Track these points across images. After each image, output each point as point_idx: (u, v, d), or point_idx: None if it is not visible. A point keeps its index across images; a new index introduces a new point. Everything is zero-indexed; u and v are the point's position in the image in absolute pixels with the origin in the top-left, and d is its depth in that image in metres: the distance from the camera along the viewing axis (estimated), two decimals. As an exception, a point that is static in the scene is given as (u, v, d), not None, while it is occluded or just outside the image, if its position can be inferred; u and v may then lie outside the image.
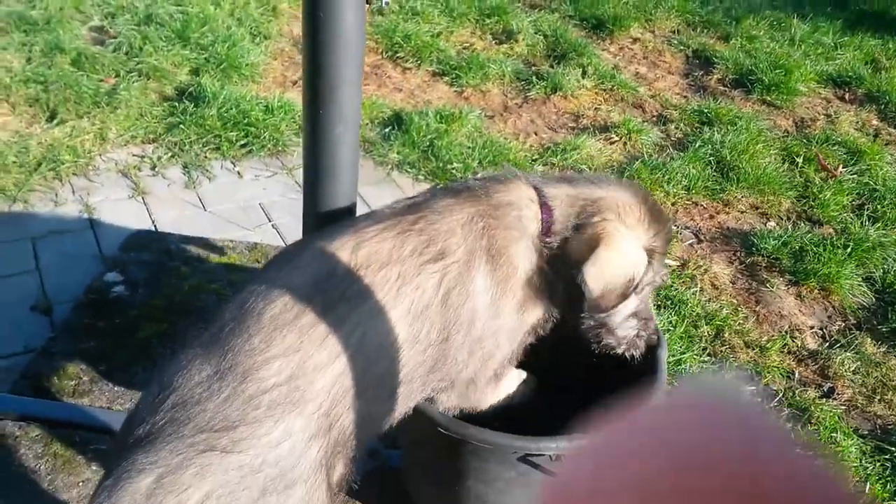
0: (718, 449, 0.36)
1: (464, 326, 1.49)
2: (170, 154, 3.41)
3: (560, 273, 1.59)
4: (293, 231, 3.02)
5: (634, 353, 1.77)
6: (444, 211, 1.53)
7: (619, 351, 1.73)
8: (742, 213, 3.57)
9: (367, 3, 1.57)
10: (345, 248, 1.41)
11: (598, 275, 1.54)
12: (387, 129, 3.81)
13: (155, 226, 2.98)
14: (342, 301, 1.33)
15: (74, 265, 2.71)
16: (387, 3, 1.52)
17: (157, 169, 3.32)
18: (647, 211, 1.64)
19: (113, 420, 1.96)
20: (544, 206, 1.60)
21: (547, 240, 1.58)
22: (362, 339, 1.33)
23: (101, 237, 2.89)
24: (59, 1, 4.29)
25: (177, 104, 3.66)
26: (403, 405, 1.50)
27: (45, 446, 1.95)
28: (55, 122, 3.45)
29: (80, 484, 1.84)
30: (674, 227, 1.59)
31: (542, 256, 1.59)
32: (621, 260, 1.58)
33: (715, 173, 3.76)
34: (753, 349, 2.77)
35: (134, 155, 3.40)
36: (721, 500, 0.34)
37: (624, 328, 1.71)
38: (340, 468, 1.40)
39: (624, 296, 1.62)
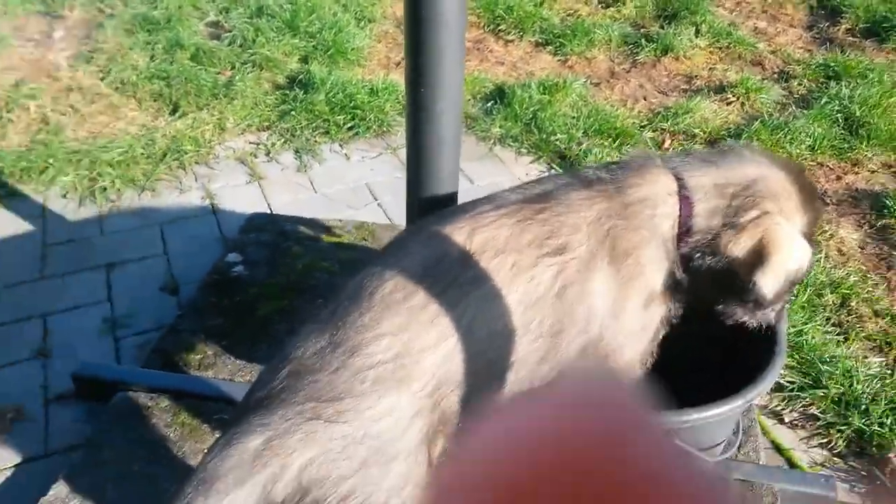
0: (584, 443, 0.35)
1: (579, 323, 1.47)
2: (282, 140, 3.55)
3: (706, 266, 1.53)
4: (398, 209, 3.09)
5: (763, 325, 1.70)
6: (572, 204, 1.50)
7: (752, 325, 1.67)
8: (873, 172, 3.31)
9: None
10: (460, 233, 1.42)
11: (774, 282, 1.49)
12: (489, 104, 3.80)
13: (270, 209, 3.13)
14: (453, 285, 1.35)
15: (198, 248, 2.90)
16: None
17: (271, 155, 3.47)
18: (802, 193, 1.55)
19: (234, 391, 2.09)
20: (684, 201, 1.53)
21: (688, 239, 1.52)
22: (471, 324, 1.34)
23: (222, 221, 3.06)
24: (178, 0, 4.55)
25: (288, 92, 3.81)
26: (510, 389, 1.49)
27: (174, 416, 2.10)
28: (178, 114, 3.68)
29: (206, 450, 1.98)
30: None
31: (676, 254, 1.53)
32: (794, 262, 1.52)
33: (843, 131, 3.49)
34: (884, 318, 2.57)
35: (250, 142, 3.57)
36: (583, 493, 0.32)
37: (768, 311, 1.66)
38: (440, 445, 1.42)
39: (792, 289, 1.62)
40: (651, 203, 1.52)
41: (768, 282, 1.48)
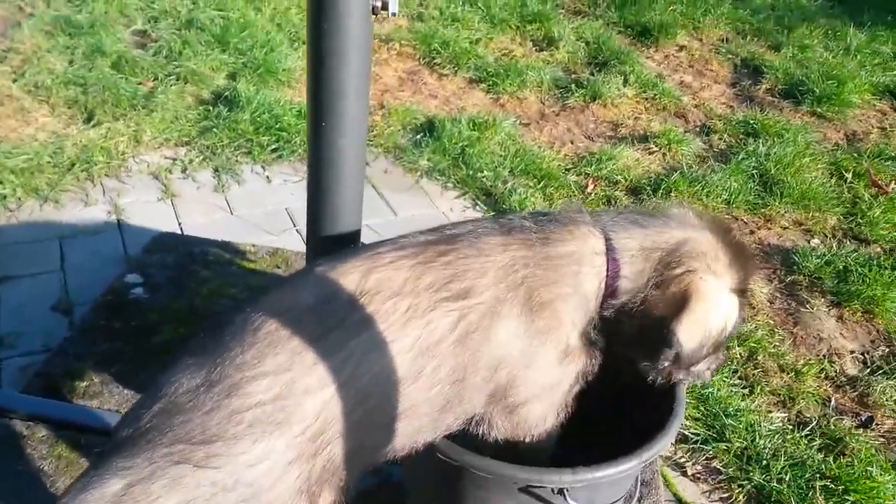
0: None
1: (482, 371, 1.42)
2: (201, 157, 3.43)
3: (630, 327, 1.51)
4: (317, 237, 3.00)
5: (701, 382, 1.73)
6: (483, 248, 1.45)
7: (684, 381, 1.67)
8: (784, 229, 3.42)
9: (374, 13, 1.52)
10: (354, 272, 1.35)
11: (693, 331, 1.47)
12: (418, 136, 3.77)
13: (181, 229, 3.00)
14: (340, 326, 1.28)
15: (99, 266, 2.74)
16: (394, 14, 1.46)
17: (187, 172, 3.34)
18: (731, 251, 1.54)
19: (119, 424, 1.96)
20: (612, 262, 1.50)
21: (611, 301, 1.50)
22: (356, 369, 1.28)
23: (128, 239, 2.91)
24: (105, 5, 4.38)
25: (211, 108, 3.69)
26: (408, 440, 1.44)
27: (51, 447, 1.95)
28: (92, 123, 3.51)
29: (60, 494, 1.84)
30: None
31: (597, 314, 1.51)
32: (716, 314, 1.50)
33: (758, 187, 3.61)
34: (788, 373, 2.63)
35: (166, 157, 3.43)
36: None
37: (701, 367, 1.64)
38: (329, 496, 1.35)
39: (718, 346, 1.57)
40: (577, 259, 1.49)
41: (686, 331, 1.46)
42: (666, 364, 1.55)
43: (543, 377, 1.50)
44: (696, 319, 1.47)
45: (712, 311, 1.48)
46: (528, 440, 1.58)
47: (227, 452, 1.16)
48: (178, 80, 3.90)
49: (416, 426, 1.41)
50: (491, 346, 1.41)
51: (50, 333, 2.43)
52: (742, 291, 1.56)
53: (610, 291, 1.50)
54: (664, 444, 1.52)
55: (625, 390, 1.76)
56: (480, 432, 1.55)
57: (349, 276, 1.34)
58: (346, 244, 1.60)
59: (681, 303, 1.46)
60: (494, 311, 1.40)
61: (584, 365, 1.55)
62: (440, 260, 1.40)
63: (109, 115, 3.58)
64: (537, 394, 1.51)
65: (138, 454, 1.14)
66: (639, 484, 1.82)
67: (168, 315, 2.41)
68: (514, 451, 1.58)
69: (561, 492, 1.46)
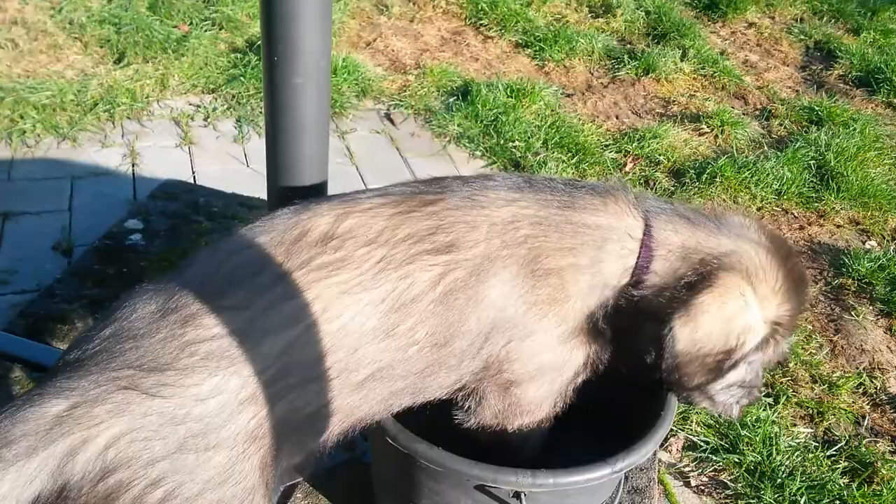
0: None
1: (470, 336, 1.29)
2: (226, 106, 3.33)
3: (645, 329, 1.36)
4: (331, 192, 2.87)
5: (727, 418, 1.59)
6: (481, 200, 1.31)
7: (715, 413, 1.56)
8: (838, 227, 3.13)
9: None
10: (328, 215, 1.26)
11: (689, 327, 1.30)
12: (451, 100, 3.59)
13: (194, 177, 2.91)
14: (306, 268, 1.20)
15: (105, 208, 2.68)
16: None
17: (209, 120, 3.25)
18: (786, 278, 1.36)
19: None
20: (645, 250, 1.34)
21: (633, 292, 1.34)
22: (322, 315, 1.18)
23: (139, 183, 2.84)
24: (149, -55, 4.30)
25: (242, 56, 3.58)
26: (383, 403, 1.32)
27: (21, 388, 1.89)
28: (121, 64, 3.44)
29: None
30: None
31: (613, 300, 1.35)
32: (727, 321, 1.32)
33: (813, 179, 3.32)
34: (821, 385, 2.39)
35: (190, 104, 3.34)
36: None
37: (723, 395, 1.48)
38: (293, 455, 1.27)
39: (716, 371, 1.36)
40: (604, 234, 1.34)
41: (684, 322, 1.29)
42: (665, 373, 1.36)
43: (543, 355, 1.35)
44: (702, 312, 1.29)
45: (726, 312, 1.30)
46: (517, 427, 1.44)
47: (177, 383, 1.09)
48: (213, 25, 3.80)
49: (392, 389, 1.30)
50: (479, 308, 1.28)
51: (47, 273, 2.38)
52: (780, 324, 1.37)
53: (634, 281, 1.34)
54: (643, 454, 1.34)
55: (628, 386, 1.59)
56: (469, 406, 1.42)
57: (322, 217, 1.25)
58: (309, 196, 1.45)
59: (697, 291, 1.30)
60: (483, 268, 1.28)
61: (592, 353, 1.39)
62: (424, 210, 1.29)
63: (140, 56, 3.51)
64: (534, 374, 1.37)
65: (85, 376, 1.08)
66: (621, 492, 1.65)
67: (160, 263, 2.32)
68: (500, 437, 1.45)
69: (517, 495, 1.30)
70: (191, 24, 3.80)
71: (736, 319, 1.32)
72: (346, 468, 1.82)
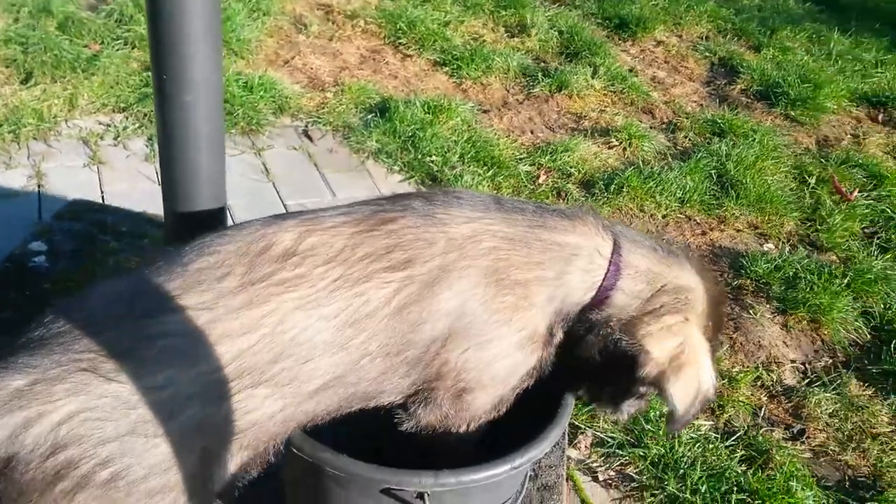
0: None
1: (422, 345, 1.34)
2: (137, 125, 3.29)
3: (602, 344, 1.46)
4: (248, 213, 2.87)
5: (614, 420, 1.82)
6: (442, 218, 1.37)
7: (611, 417, 1.76)
8: (738, 231, 3.30)
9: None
10: (292, 231, 1.31)
11: (686, 396, 1.44)
12: (370, 116, 3.64)
13: (103, 196, 2.87)
14: (269, 281, 1.26)
15: (8, 231, 2.60)
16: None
17: (119, 139, 3.20)
18: (717, 315, 1.55)
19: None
20: (613, 267, 1.42)
21: (596, 311, 1.43)
22: (278, 326, 1.24)
23: (45, 205, 2.78)
24: (59, -36, 4.22)
25: (155, 75, 3.55)
26: (335, 407, 1.37)
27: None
28: (28, 84, 3.37)
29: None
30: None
31: (573, 316, 1.44)
32: (707, 383, 1.47)
33: (714, 187, 3.49)
34: (722, 379, 2.51)
35: (100, 123, 3.29)
36: None
37: (628, 405, 1.62)
38: (238, 451, 1.29)
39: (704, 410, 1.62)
40: (572, 251, 1.41)
41: (680, 393, 1.42)
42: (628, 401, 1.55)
43: (499, 362, 1.41)
44: (690, 384, 1.44)
45: (706, 379, 1.46)
46: (461, 430, 1.49)
47: (135, 371, 1.14)
48: (125, 44, 3.75)
49: (344, 395, 1.35)
50: (433, 317, 1.33)
51: (-57, 298, 2.30)
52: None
53: (601, 299, 1.42)
54: (541, 450, 1.40)
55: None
56: (416, 410, 1.46)
57: (286, 233, 1.31)
58: (207, 220, 1.46)
59: (677, 363, 1.42)
60: (437, 280, 1.33)
61: (543, 358, 1.46)
62: (383, 229, 1.35)
63: (48, 76, 3.44)
64: (488, 382, 1.42)
65: (47, 355, 1.12)
66: (526, 489, 1.70)
67: (64, 286, 2.28)
68: (440, 439, 1.49)
69: (421, 496, 1.34)
70: (102, 43, 3.74)
71: (708, 379, 1.48)
72: (255, 483, 1.81)
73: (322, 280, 1.28)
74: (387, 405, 1.45)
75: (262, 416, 1.27)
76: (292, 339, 1.25)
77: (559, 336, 1.45)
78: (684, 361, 1.42)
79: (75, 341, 1.15)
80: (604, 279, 1.42)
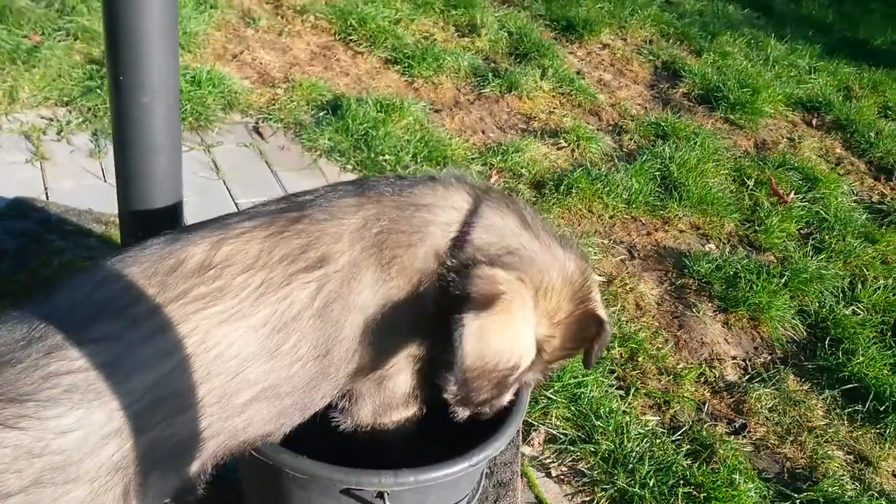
0: None
1: (347, 342, 1.33)
2: (81, 119, 3.20)
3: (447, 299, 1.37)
4: (197, 210, 2.82)
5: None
6: (335, 211, 1.35)
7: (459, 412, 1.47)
8: (681, 232, 3.41)
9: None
10: (202, 243, 1.25)
11: (476, 343, 1.28)
12: (322, 114, 3.62)
13: (47, 194, 2.78)
14: (185, 299, 1.19)
15: (-54, 228, 2.51)
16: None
17: (63, 134, 3.11)
18: (569, 313, 1.42)
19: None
20: (468, 222, 1.40)
21: (453, 259, 1.37)
22: (201, 344, 1.19)
23: (-15, 201, 2.68)
24: (-5, -50, 4.06)
25: (98, 68, 3.45)
26: (273, 423, 1.33)
27: None
28: (-37, 75, 3.24)
29: None
30: (607, 337, 1.45)
31: (439, 277, 1.38)
32: (512, 338, 1.34)
33: (659, 189, 3.59)
34: (667, 376, 2.60)
35: (42, 117, 3.19)
36: None
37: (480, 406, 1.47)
38: (162, 478, 1.24)
39: (500, 387, 1.37)
40: (430, 208, 1.41)
41: (470, 337, 1.26)
42: (451, 380, 1.34)
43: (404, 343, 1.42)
44: (489, 326, 1.28)
45: (509, 330, 1.32)
46: (393, 421, 1.50)
47: (37, 415, 1.06)
48: (67, 35, 3.64)
49: (280, 407, 1.31)
50: (352, 314, 1.33)
51: None
52: (548, 342, 1.42)
53: (453, 248, 1.39)
54: (497, 448, 1.44)
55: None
56: (346, 407, 1.46)
57: (197, 246, 1.25)
58: (164, 220, 1.45)
59: (484, 298, 1.30)
60: (352, 275, 1.32)
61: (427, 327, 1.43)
62: (293, 228, 1.31)
63: (-15, 67, 3.31)
64: (401, 364, 1.43)
65: None
66: (483, 485, 1.74)
67: (10, 286, 2.21)
68: (375, 436, 1.50)
69: (381, 495, 1.36)
70: (43, 34, 3.62)
71: (519, 337, 1.36)
72: (213, 486, 1.80)
73: (244, 289, 1.23)
74: (319, 412, 1.42)
75: (188, 437, 1.22)
76: (218, 355, 1.20)
77: (428, 301, 1.38)
78: (493, 309, 1.29)
79: None
80: (459, 230, 1.40)
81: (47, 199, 2.74)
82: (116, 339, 1.13)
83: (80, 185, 2.86)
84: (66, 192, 2.79)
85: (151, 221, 1.42)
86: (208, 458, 1.31)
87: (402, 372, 1.45)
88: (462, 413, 1.44)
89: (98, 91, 3.29)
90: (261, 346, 1.24)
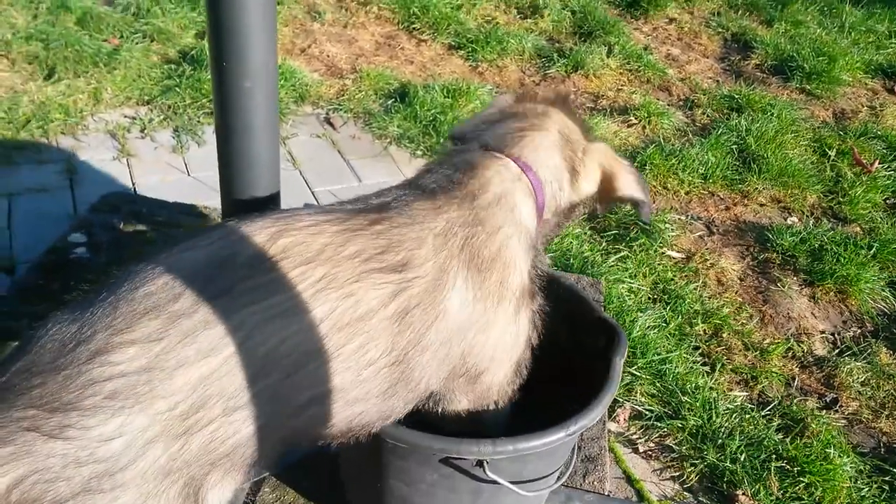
0: None
1: (432, 349, 1.30)
2: (162, 117, 3.32)
3: (562, 217, 1.59)
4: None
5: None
6: (416, 215, 1.32)
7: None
8: (762, 206, 3.32)
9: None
10: (262, 234, 1.20)
11: (639, 186, 1.60)
12: (390, 102, 3.66)
13: (135, 189, 2.90)
14: (232, 293, 1.14)
15: (47, 224, 2.64)
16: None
17: (146, 131, 3.23)
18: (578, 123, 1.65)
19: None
20: (534, 180, 1.47)
21: (546, 216, 1.48)
22: (248, 340, 1.13)
23: (79, 198, 2.81)
24: (73, -40, 4.24)
25: (176, 67, 3.57)
26: (344, 425, 1.30)
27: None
28: (52, 80, 3.39)
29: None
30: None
31: (538, 233, 1.49)
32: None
33: (736, 162, 3.50)
34: (753, 351, 2.54)
35: (126, 116, 3.32)
36: None
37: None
38: (222, 478, 1.21)
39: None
40: (505, 195, 1.42)
41: (636, 188, 1.58)
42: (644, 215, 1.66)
43: (503, 337, 1.41)
44: (631, 180, 1.58)
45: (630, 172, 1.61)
46: (490, 408, 1.51)
47: (80, 424, 1.05)
48: (144, 37, 3.77)
49: (352, 412, 1.27)
50: (441, 320, 1.29)
51: (-13, 292, 2.34)
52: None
53: (540, 208, 1.49)
54: (593, 418, 1.43)
55: (571, 361, 1.69)
56: (440, 410, 1.46)
57: (255, 237, 1.19)
58: (264, 201, 1.50)
59: (609, 179, 1.56)
60: (440, 282, 1.29)
61: (536, 306, 1.47)
62: (372, 229, 1.26)
63: (70, 71, 3.46)
64: (499, 357, 1.42)
65: None
66: (576, 458, 1.74)
67: (107, 276, 2.31)
68: (475, 421, 1.50)
69: (480, 464, 1.37)
70: (121, 37, 3.76)
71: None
72: (312, 459, 1.86)
73: (302, 282, 1.17)
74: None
75: (253, 434, 1.18)
76: (270, 352, 1.15)
77: (539, 252, 1.51)
78: (614, 174, 1.57)
79: (18, 397, 1.05)
80: (534, 192, 1.48)
81: (135, 193, 2.85)
82: (159, 339, 1.10)
83: (165, 179, 2.97)
84: (153, 187, 2.90)
85: (253, 204, 1.46)
86: (275, 456, 1.27)
87: (499, 363, 1.43)
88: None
89: (177, 89, 3.41)
90: (317, 345, 1.18)
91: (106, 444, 1.05)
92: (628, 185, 1.59)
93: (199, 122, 3.33)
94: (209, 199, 2.86)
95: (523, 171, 1.47)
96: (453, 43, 4.31)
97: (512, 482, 1.43)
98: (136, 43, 3.71)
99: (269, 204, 1.50)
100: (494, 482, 1.40)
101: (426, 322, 1.28)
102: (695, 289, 2.74)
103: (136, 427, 1.07)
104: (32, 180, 2.88)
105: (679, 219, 3.13)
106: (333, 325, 1.19)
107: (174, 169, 3.05)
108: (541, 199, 1.48)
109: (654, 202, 3.22)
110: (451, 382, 1.42)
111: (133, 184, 2.93)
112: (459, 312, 1.32)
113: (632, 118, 3.78)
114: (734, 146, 3.57)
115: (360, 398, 1.26)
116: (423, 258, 1.28)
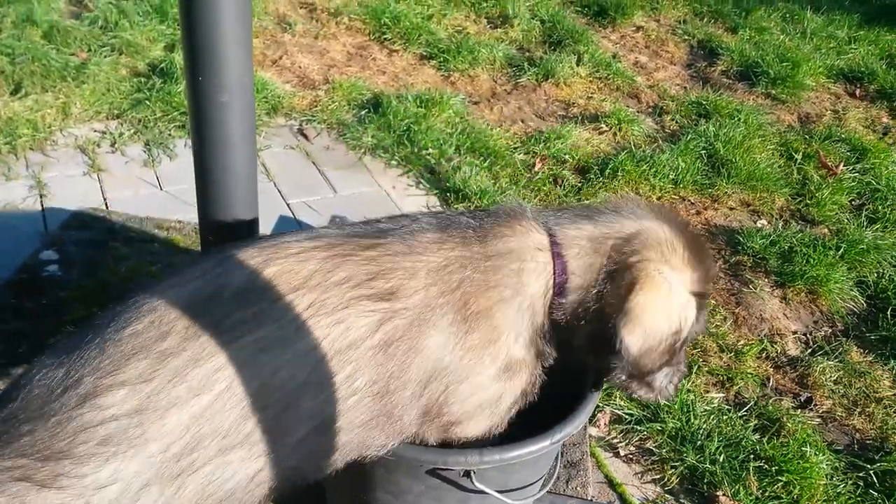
0: None
1: (411, 385, 1.27)
2: (133, 131, 3.29)
3: (582, 330, 1.36)
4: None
5: (665, 401, 1.60)
6: (415, 245, 1.28)
7: (653, 399, 1.51)
8: (731, 209, 3.38)
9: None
10: (247, 264, 1.17)
11: (638, 331, 1.30)
12: (363, 112, 3.66)
13: (106, 204, 2.86)
14: (221, 327, 1.11)
15: (16, 242, 2.60)
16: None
17: (116, 146, 3.20)
18: (691, 246, 1.38)
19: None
20: (557, 258, 1.34)
21: (560, 301, 1.33)
22: (238, 376, 1.11)
23: (49, 214, 2.77)
24: (38, -27, 4.18)
25: (145, 80, 3.54)
26: (327, 458, 1.28)
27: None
28: (18, 95, 3.34)
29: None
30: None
31: (546, 316, 1.35)
32: (667, 310, 1.32)
33: (706, 167, 3.56)
34: (728, 353, 2.58)
35: (95, 131, 3.28)
36: None
37: (661, 380, 1.48)
38: None
39: (671, 352, 1.37)
40: (517, 257, 1.33)
41: (629, 329, 1.28)
42: (623, 377, 1.41)
43: (481, 394, 1.36)
44: (640, 314, 1.29)
45: (661, 305, 1.31)
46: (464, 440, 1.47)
47: (73, 473, 1.03)
48: (112, 51, 3.73)
49: (336, 444, 1.25)
50: (419, 357, 1.26)
51: (-45, 312, 2.29)
52: (700, 294, 1.39)
53: (558, 290, 1.34)
54: (577, 425, 1.45)
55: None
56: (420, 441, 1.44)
57: (241, 269, 1.17)
58: (241, 216, 1.49)
59: (626, 294, 1.29)
60: (423, 318, 1.25)
61: (528, 379, 1.40)
62: (363, 254, 1.24)
63: (38, 86, 3.41)
64: (473, 413, 1.38)
65: None
66: (559, 465, 1.75)
67: (80, 293, 2.29)
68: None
69: (467, 474, 1.38)
70: (89, 50, 3.72)
71: (676, 307, 1.34)
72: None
73: (290, 312, 1.15)
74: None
75: (248, 473, 1.16)
76: (262, 386, 1.13)
77: (544, 347, 1.38)
78: (635, 297, 1.30)
79: (7, 445, 1.03)
80: (554, 274, 1.34)
81: (107, 209, 2.82)
82: (149, 379, 1.07)
83: (137, 194, 2.94)
84: (125, 202, 2.87)
85: (230, 217, 1.46)
86: (272, 493, 1.25)
87: (473, 418, 1.39)
88: (637, 388, 1.46)
89: (147, 103, 3.38)
90: (309, 375, 1.16)
91: (101, 492, 1.03)
92: (637, 316, 1.30)
93: (170, 135, 3.30)
94: (182, 213, 2.83)
95: (551, 246, 1.36)
96: (425, 53, 4.33)
97: (498, 492, 1.43)
98: (105, 56, 3.67)
99: (247, 216, 1.50)
100: (482, 492, 1.40)
101: (408, 357, 1.25)
102: (670, 293, 2.78)
103: (130, 472, 1.04)
104: (0, 197, 2.83)
105: (652, 224, 3.17)
106: (325, 353, 1.17)
107: (146, 183, 3.01)
108: (558, 280, 1.35)
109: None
110: (423, 426, 1.38)
111: (104, 199, 2.89)
112: (438, 354, 1.28)
113: (602, 125, 3.83)
114: (703, 151, 3.63)
115: (344, 428, 1.24)
116: (413, 289, 1.25)
